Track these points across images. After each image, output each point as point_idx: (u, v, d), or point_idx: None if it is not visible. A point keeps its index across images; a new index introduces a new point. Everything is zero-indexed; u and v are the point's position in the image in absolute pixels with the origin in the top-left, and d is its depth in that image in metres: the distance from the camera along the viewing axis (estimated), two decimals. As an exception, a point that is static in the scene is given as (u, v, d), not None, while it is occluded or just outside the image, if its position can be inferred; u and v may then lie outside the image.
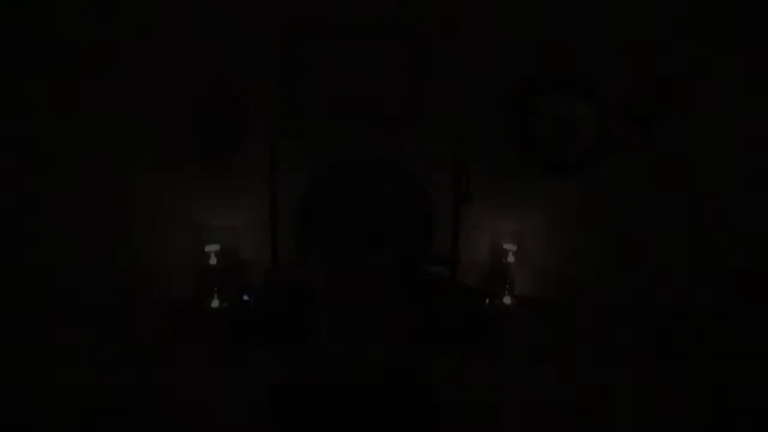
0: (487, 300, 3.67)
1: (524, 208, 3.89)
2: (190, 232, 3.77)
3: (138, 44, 3.51)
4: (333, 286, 2.89)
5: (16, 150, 3.59)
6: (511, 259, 3.80)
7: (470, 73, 3.66)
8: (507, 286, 3.86)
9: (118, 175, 3.67)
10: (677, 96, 3.71)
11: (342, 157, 3.59)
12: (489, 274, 3.96)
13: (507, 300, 3.84)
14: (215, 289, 3.71)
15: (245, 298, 3.56)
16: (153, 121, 3.61)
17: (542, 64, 3.64)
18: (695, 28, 3.65)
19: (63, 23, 3.44)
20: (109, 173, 3.66)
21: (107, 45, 3.50)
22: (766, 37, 3.67)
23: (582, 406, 2.82)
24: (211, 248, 3.67)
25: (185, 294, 3.85)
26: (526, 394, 2.93)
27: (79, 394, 2.72)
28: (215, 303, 3.71)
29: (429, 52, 3.62)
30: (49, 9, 3.42)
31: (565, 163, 3.69)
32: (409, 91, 3.66)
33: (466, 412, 2.75)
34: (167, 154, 3.65)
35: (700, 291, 3.93)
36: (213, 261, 3.66)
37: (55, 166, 3.62)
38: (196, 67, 3.55)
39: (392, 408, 2.63)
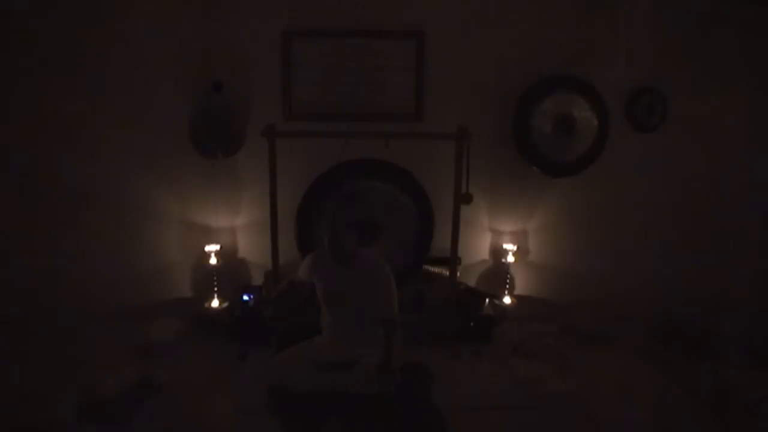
0: (487, 300, 3.68)
1: (524, 208, 3.88)
2: (190, 232, 3.77)
3: (138, 45, 3.51)
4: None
5: (15, 150, 3.60)
6: (511, 259, 3.80)
7: (471, 72, 3.66)
8: (507, 286, 3.86)
9: (119, 176, 3.67)
10: (676, 98, 3.71)
11: (341, 156, 3.58)
12: (489, 274, 3.95)
13: (507, 300, 3.84)
14: (215, 289, 3.71)
15: (245, 298, 3.56)
16: (153, 121, 3.60)
17: (543, 64, 3.63)
18: (694, 34, 3.66)
19: (62, 24, 3.45)
20: (110, 174, 3.67)
21: (106, 46, 3.50)
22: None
23: (582, 404, 2.82)
24: (211, 248, 3.67)
25: (185, 294, 3.85)
26: (526, 394, 2.93)
27: (79, 394, 2.72)
28: (215, 303, 3.71)
29: (430, 51, 3.62)
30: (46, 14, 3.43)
31: (565, 163, 3.69)
32: (409, 91, 3.66)
33: (468, 411, 2.74)
34: (167, 155, 3.65)
35: (700, 291, 3.93)
36: (213, 261, 3.66)
37: (55, 167, 3.63)
38: (197, 68, 3.55)
39: (395, 408, 2.63)
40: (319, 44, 3.59)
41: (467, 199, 3.27)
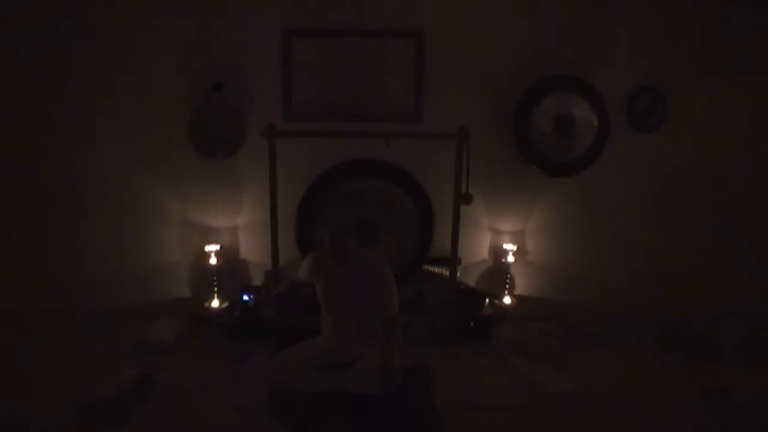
0: (487, 300, 3.68)
1: (524, 207, 3.88)
2: (190, 232, 3.77)
3: (138, 45, 3.51)
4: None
5: (15, 150, 3.60)
6: (511, 259, 3.80)
7: (471, 72, 3.65)
8: (507, 286, 3.86)
9: (119, 176, 3.67)
10: (676, 98, 3.71)
11: (342, 156, 3.59)
12: (489, 274, 3.95)
13: (507, 300, 3.84)
14: (215, 289, 3.71)
15: (245, 298, 3.56)
16: (153, 121, 3.60)
17: (543, 64, 3.63)
18: (694, 34, 3.66)
19: (65, 28, 3.45)
20: (110, 174, 3.66)
21: (106, 46, 3.50)
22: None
23: (582, 404, 2.82)
24: (211, 248, 3.67)
25: (185, 294, 3.85)
26: (526, 394, 2.93)
27: (79, 394, 2.72)
28: (215, 303, 3.71)
29: (430, 51, 3.62)
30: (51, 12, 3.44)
31: (565, 163, 3.69)
32: (409, 91, 3.66)
33: (468, 411, 2.75)
34: (167, 155, 3.65)
35: (700, 291, 3.93)
36: (213, 261, 3.66)
37: (55, 166, 3.63)
38: (197, 68, 3.55)
39: (395, 408, 2.63)
40: (319, 44, 3.59)
41: (467, 199, 3.27)
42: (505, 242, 3.87)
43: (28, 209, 3.68)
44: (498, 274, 3.91)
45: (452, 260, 3.41)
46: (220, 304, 3.71)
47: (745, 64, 3.72)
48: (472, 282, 3.91)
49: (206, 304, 3.71)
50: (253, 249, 3.82)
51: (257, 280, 3.80)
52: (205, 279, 3.73)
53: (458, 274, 3.59)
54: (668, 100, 3.71)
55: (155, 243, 3.79)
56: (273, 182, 3.27)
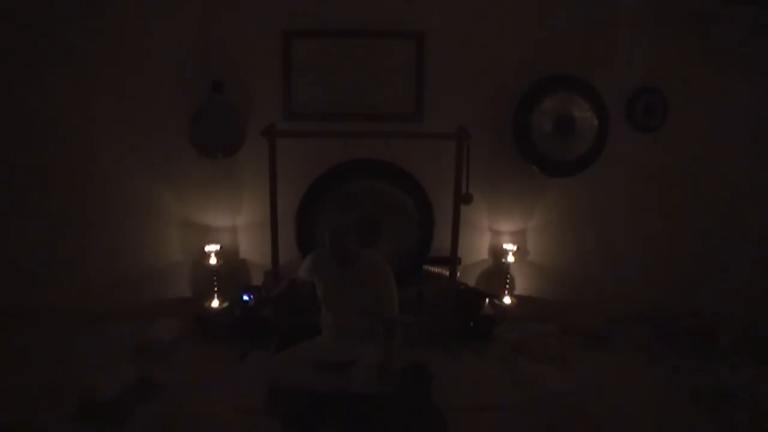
0: (487, 300, 3.68)
1: (524, 207, 3.88)
2: (190, 232, 3.77)
3: (138, 45, 3.51)
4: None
5: (15, 150, 3.60)
6: (511, 259, 3.80)
7: (471, 72, 3.66)
8: (507, 286, 3.86)
9: (119, 176, 3.67)
10: (676, 98, 3.71)
11: (342, 156, 3.59)
12: (489, 274, 3.95)
13: (507, 300, 3.84)
14: (215, 289, 3.71)
15: (245, 298, 3.56)
16: (153, 121, 3.60)
17: (543, 64, 3.63)
18: (694, 34, 3.67)
19: (63, 25, 3.46)
20: (110, 175, 3.67)
21: (107, 47, 3.51)
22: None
23: (582, 404, 2.82)
24: (211, 248, 3.67)
25: (185, 294, 3.85)
26: (526, 394, 2.93)
27: (79, 394, 2.72)
28: (215, 303, 3.71)
29: (430, 51, 3.62)
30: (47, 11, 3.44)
31: (565, 163, 3.69)
32: (409, 91, 3.66)
33: (468, 411, 2.75)
34: (167, 155, 3.65)
35: (700, 291, 3.93)
36: (213, 261, 3.66)
37: (55, 166, 3.63)
38: (197, 68, 3.55)
39: (394, 408, 2.63)
40: (319, 44, 3.59)
41: (467, 199, 3.27)
42: (505, 242, 3.87)
43: (28, 210, 3.68)
44: (498, 274, 3.91)
45: (452, 260, 3.41)
46: (220, 304, 3.71)
47: (744, 63, 3.72)
48: (472, 282, 3.91)
49: (206, 304, 3.71)
50: (253, 249, 3.82)
51: (257, 280, 3.80)
52: (205, 279, 3.73)
53: (458, 274, 3.59)
54: (668, 100, 3.71)
55: (155, 243, 3.79)
56: (273, 182, 3.27)
